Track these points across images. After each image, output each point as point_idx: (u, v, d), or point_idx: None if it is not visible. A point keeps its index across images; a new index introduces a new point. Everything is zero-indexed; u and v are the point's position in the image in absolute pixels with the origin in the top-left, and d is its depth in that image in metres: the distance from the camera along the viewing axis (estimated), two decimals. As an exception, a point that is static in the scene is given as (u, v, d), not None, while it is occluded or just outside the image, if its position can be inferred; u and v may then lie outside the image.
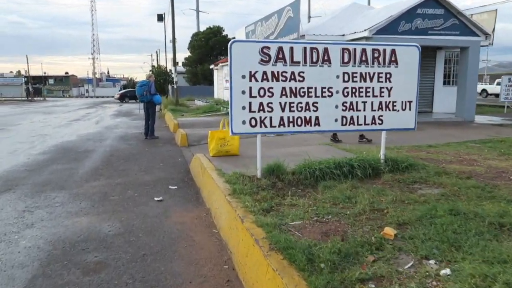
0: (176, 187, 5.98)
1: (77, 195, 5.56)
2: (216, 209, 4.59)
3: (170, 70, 37.93)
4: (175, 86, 23.00)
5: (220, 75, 31.07)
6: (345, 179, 5.08)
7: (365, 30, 12.68)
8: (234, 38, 51.01)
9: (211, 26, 50.07)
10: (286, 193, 4.58)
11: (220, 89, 31.00)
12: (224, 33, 50.14)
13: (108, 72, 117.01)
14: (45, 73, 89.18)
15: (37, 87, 69.55)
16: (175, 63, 23.72)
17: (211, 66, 33.63)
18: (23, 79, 72.05)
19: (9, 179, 6.51)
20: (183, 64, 53.19)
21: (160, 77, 31.70)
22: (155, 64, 58.97)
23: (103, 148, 9.69)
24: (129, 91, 43.06)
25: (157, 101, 11.52)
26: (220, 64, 29.60)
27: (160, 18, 29.25)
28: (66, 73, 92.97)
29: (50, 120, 18.21)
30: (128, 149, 9.46)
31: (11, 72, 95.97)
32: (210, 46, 48.50)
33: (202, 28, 52.18)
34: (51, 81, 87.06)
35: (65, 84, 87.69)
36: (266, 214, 3.83)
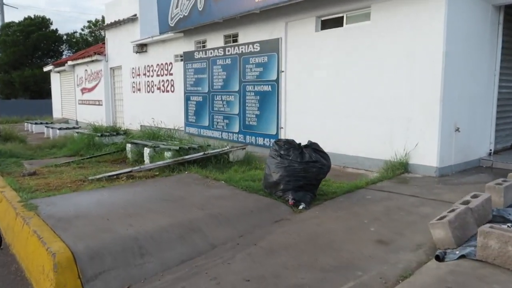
0: None
1: None
2: None
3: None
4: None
5: (68, 80, 18.89)
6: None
7: None
8: (69, 34, 37.00)
9: (32, 17, 35.27)
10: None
11: (69, 103, 18.86)
12: (52, 27, 35.97)
13: None
14: None
15: None
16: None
17: (47, 68, 20.80)
18: None
19: None
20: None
21: None
22: None
23: None
24: None
25: None
26: (70, 63, 17.56)
27: None
28: None
29: None
30: None
31: None
32: (33, 44, 33.81)
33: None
34: None
35: None
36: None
